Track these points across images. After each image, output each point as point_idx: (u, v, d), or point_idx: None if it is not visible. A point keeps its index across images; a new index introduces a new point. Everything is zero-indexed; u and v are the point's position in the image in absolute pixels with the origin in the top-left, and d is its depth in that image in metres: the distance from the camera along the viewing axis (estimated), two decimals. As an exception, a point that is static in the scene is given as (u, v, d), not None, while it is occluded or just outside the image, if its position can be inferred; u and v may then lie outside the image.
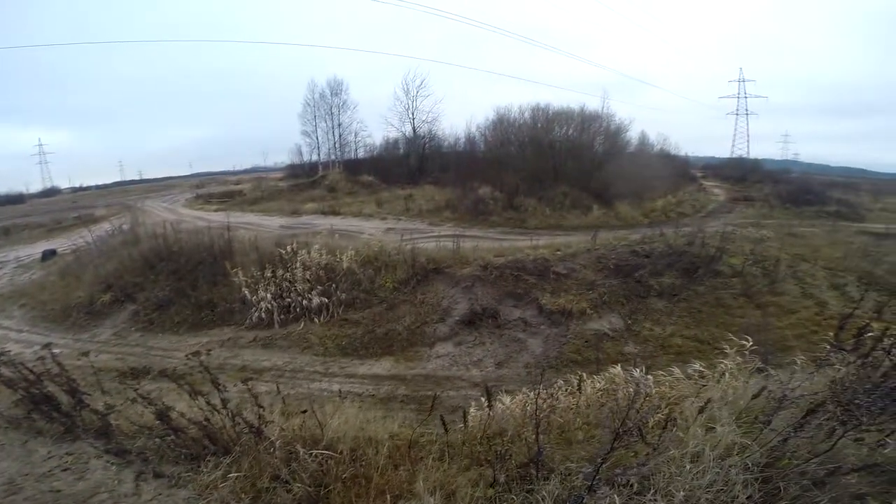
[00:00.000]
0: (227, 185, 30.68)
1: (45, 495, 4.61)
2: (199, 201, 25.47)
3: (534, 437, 3.45)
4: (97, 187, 32.87)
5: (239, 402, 5.77)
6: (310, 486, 4.14)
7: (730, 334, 5.89)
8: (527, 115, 26.21)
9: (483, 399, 6.43)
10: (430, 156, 34.61)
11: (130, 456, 5.13)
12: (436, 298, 10.69)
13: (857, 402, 2.01)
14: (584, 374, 5.69)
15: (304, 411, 5.78)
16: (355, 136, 35.55)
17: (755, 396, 2.42)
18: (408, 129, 34.53)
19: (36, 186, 32.32)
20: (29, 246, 18.01)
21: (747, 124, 38.09)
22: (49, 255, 15.61)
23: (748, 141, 37.91)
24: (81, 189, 32.62)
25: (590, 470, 1.93)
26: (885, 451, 1.88)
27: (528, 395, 5.72)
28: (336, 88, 33.71)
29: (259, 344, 9.37)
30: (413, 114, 34.27)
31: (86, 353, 7.00)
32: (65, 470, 5.06)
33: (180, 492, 4.46)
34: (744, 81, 37.36)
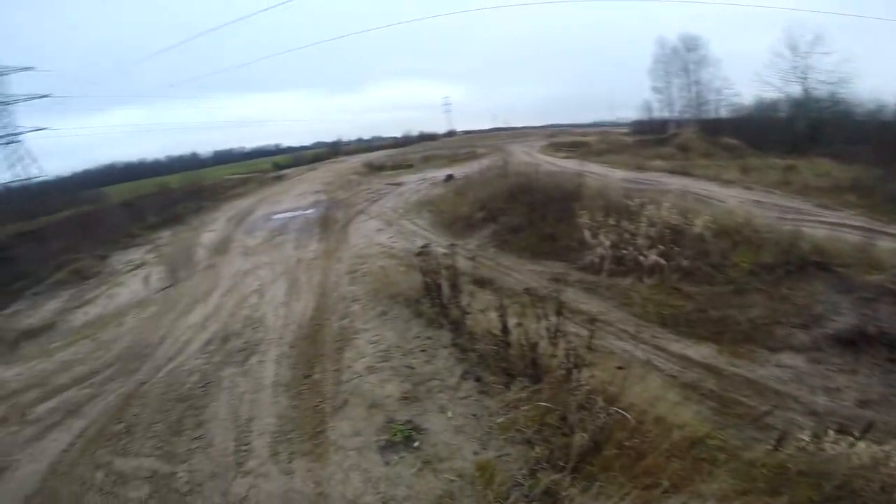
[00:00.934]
0: (574, 136, 32.58)
1: (402, 369, 6.24)
2: (551, 149, 28.25)
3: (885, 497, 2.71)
4: (478, 131, 41.58)
5: (564, 335, 6.26)
6: (590, 439, 4.18)
7: None
8: None
9: (825, 434, 4.98)
10: (830, 122, 26.02)
11: (469, 354, 6.49)
12: (807, 299, 8.29)
13: None
14: None
15: (621, 367, 5.75)
16: (717, 94, 30.63)
17: None
18: (796, 89, 26.66)
19: (443, 128, 43.90)
20: (437, 170, 24.77)
21: None
22: (449, 178, 20.98)
23: None
24: (469, 133, 42.00)
25: None
26: None
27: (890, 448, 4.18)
28: (691, 44, 29.89)
29: (583, 286, 9.68)
30: (805, 73, 26.20)
31: (472, 258, 8.81)
32: (423, 350, 6.65)
33: (487, 400, 5.31)
34: None
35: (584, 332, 7.51)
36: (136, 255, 16.53)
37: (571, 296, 9.37)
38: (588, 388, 5.15)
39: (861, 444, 4.12)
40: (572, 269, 10.45)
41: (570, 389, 5.11)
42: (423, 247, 11.32)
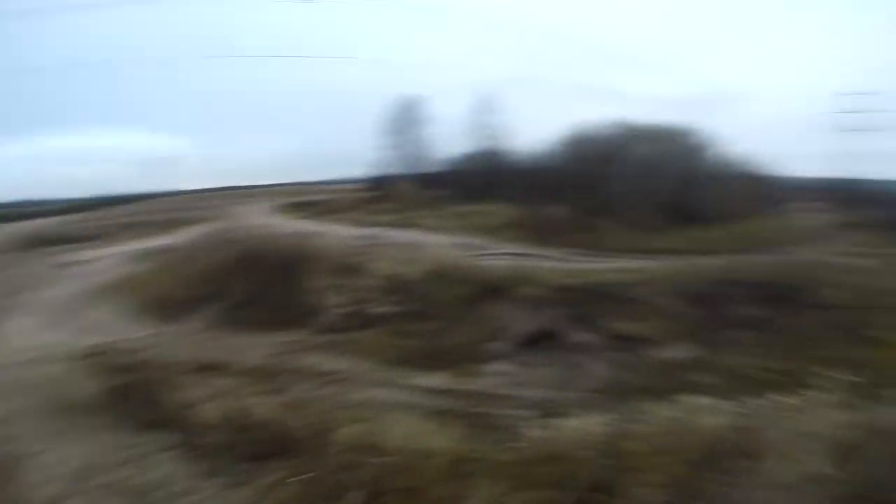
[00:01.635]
0: (310, 194, 32.95)
1: (115, 484, 5.01)
2: (285, 209, 27.59)
3: (604, 461, 3.38)
4: (204, 191, 36.93)
5: (306, 404, 6.05)
6: (367, 494, 4.23)
7: (818, 367, 5.18)
8: (604, 131, 25.32)
9: (540, 420, 6.19)
10: (501, 171, 34.68)
11: (200, 450, 5.57)
12: (498, 316, 10.62)
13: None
14: (654, 402, 5.32)
15: (367, 419, 5.91)
16: (428, 150, 36.63)
17: (848, 429, 2.16)
18: (479, 144, 34.94)
19: (155, 187, 36.92)
20: (139, 241, 20.35)
21: (855, 141, 33.07)
22: (156, 250, 17.60)
23: (857, 160, 32.94)
24: (191, 192, 36.81)
25: (668, 498, 1.79)
26: None
27: (593, 420, 5.47)
28: (414, 103, 35.09)
29: (325, 348, 9.70)
30: (486, 129, 34.65)
31: (176, 346, 7.64)
32: (137, 460, 5.45)
33: (242, 491, 4.71)
34: (852, 95, 32.74)
35: (333, 392, 7.49)
36: None
37: (315, 360, 9.19)
38: (347, 446, 4.98)
39: (571, 422, 5.27)
40: (312, 333, 10.36)
41: (327, 454, 4.84)
42: (104, 343, 9.10)
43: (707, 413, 4.51)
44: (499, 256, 14.71)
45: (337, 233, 17.33)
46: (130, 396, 6.63)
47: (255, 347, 9.73)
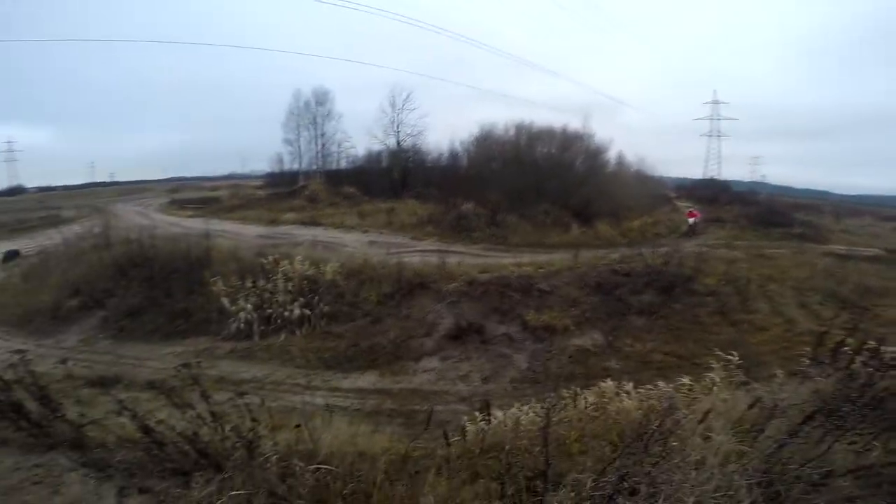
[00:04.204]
0: (202, 191, 29.89)
1: None
2: (174, 207, 24.73)
3: (539, 449, 3.48)
4: (65, 188, 31.51)
5: (225, 415, 5.57)
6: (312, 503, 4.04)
7: (708, 350, 6.04)
8: (510, 132, 26.75)
9: (477, 413, 6.43)
10: (413, 170, 34.69)
11: (111, 470, 4.88)
12: (421, 313, 10.70)
13: (843, 410, 2.15)
14: (576, 389, 5.79)
15: (298, 426, 5.65)
16: (338, 146, 35.35)
17: (750, 407, 2.53)
18: (392, 142, 34.58)
19: (3, 183, 30.78)
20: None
21: (719, 146, 39.46)
22: (11, 255, 14.81)
23: (720, 163, 39.35)
24: (48, 189, 31.23)
25: (600, 478, 1.99)
26: (872, 454, 2.01)
27: (524, 409, 5.79)
28: (321, 98, 33.58)
29: (237, 355, 9.16)
30: (398, 127, 34.36)
31: (63, 361, 6.70)
32: (36, 483, 4.78)
33: None
34: (717, 103, 39.00)
35: (253, 401, 6.92)
36: None
37: (227, 368, 8.60)
38: (278, 455, 4.68)
39: (498, 414, 5.45)
40: (219, 340, 9.62)
41: (260, 465, 4.50)
42: None
43: (624, 397, 5.04)
44: (414, 253, 14.85)
45: (240, 232, 16.10)
46: (15, 417, 5.60)
47: (154, 358, 8.82)
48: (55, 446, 5.32)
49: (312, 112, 33.47)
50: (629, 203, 22.22)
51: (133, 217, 19.76)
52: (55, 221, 19.82)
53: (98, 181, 32.34)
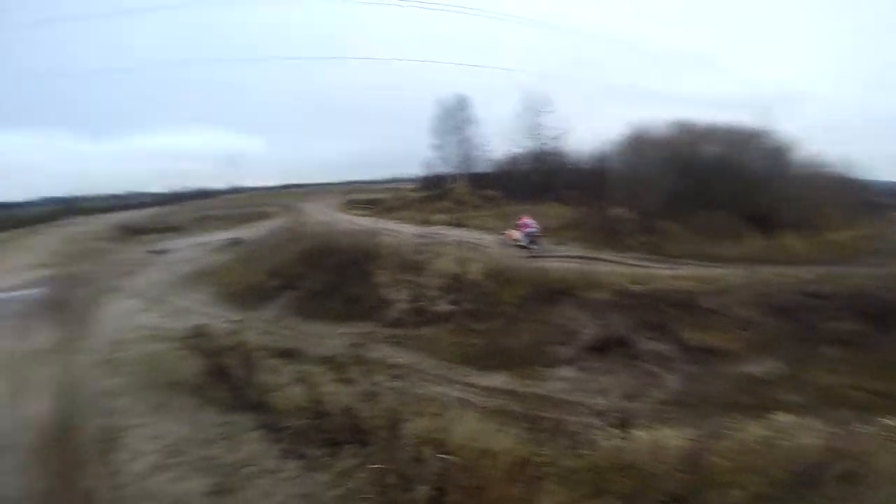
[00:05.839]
0: (370, 193, 33.96)
1: (202, 461, 5.53)
2: (348, 207, 28.73)
3: (682, 474, 3.29)
4: (270, 188, 39.09)
5: (378, 395, 6.35)
6: (434, 489, 4.41)
7: None
8: (668, 130, 24.11)
9: (612, 429, 6.08)
10: (555, 172, 33.96)
11: (281, 433, 5.99)
12: (560, 320, 10.44)
13: None
14: (737, 419, 5.12)
15: (433, 415, 6.14)
16: (480, 150, 36.64)
17: None
18: (531, 144, 34.42)
19: (227, 184, 39.51)
20: (219, 233, 21.92)
21: None
22: (234, 242, 18.89)
23: None
24: (259, 189, 39.08)
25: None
26: None
27: (670, 433, 5.31)
28: (461, 104, 35.21)
29: (392, 341, 10.03)
30: (538, 129, 34.08)
31: (257, 332, 8.04)
32: (224, 438, 5.99)
33: (317, 475, 5.08)
34: None
35: (401, 386, 7.73)
36: None
37: (383, 352, 9.53)
38: (416, 439, 5.24)
39: (639, 433, 5.23)
40: (380, 327, 10.69)
41: (399, 446, 5.14)
42: (196, 327, 9.94)
43: (799, 432, 4.32)
44: (560, 258, 14.48)
45: (399, 230, 17.90)
46: (220, 378, 7.14)
47: (327, 337, 10.28)
48: (244, 408, 6.69)
49: (455, 118, 35.36)
50: (828, 211, 18.07)
51: (317, 215, 23.56)
52: (263, 216, 24.81)
53: (292, 183, 39.23)
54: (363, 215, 24.36)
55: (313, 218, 20.93)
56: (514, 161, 35.84)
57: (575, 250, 16.02)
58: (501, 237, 16.93)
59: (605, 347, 9.22)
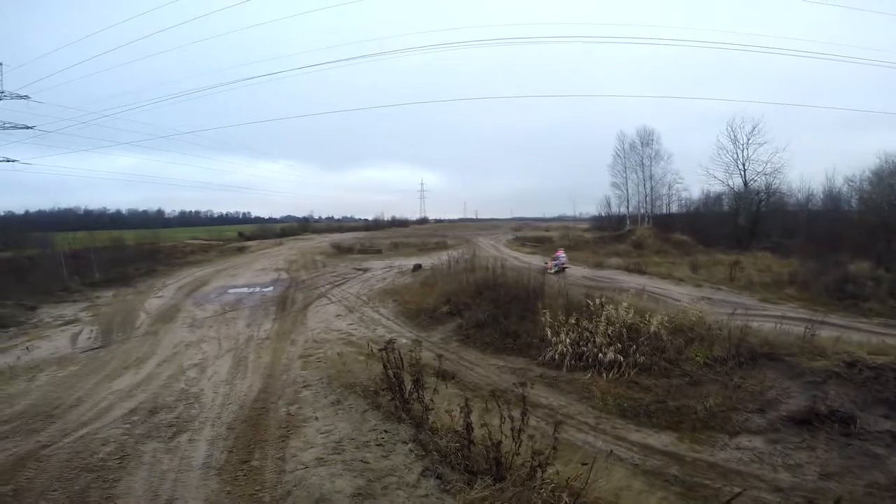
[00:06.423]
0: (538, 230, 34.25)
1: (356, 463, 5.79)
2: (516, 243, 29.58)
3: None
4: (449, 220, 43.46)
5: (524, 431, 6.13)
6: None
7: None
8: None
9: None
10: (767, 215, 28.25)
11: (430, 451, 6.19)
12: (760, 387, 8.73)
13: None
14: None
15: (585, 463, 5.68)
16: (669, 188, 32.99)
17: None
18: (737, 182, 29.36)
19: (415, 214, 45.74)
20: (406, 258, 25.26)
21: None
22: (417, 267, 21.42)
23: None
24: (440, 221, 43.83)
25: None
26: None
27: None
28: (647, 138, 32.49)
29: (544, 381, 9.74)
30: (744, 164, 28.88)
31: (439, 357, 8.68)
32: (379, 444, 6.24)
33: (448, 499, 5.03)
34: None
35: (545, 426, 7.40)
36: (69, 310, 15.82)
37: (533, 391, 9.36)
38: (553, 484, 5.02)
39: None
40: (533, 364, 10.57)
41: (534, 487, 4.97)
42: (388, 341, 11.25)
43: None
44: (765, 318, 12.05)
45: (569, 272, 17.44)
46: (390, 387, 7.86)
47: (482, 366, 10.58)
48: (403, 419, 7.08)
49: (639, 153, 32.57)
50: None
51: (488, 249, 24.92)
52: (442, 246, 27.49)
53: (467, 217, 42.72)
54: (530, 252, 24.63)
55: (485, 252, 22.16)
56: (711, 201, 31.37)
57: (792, 310, 13.10)
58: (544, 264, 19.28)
59: (813, 421, 7.48)
